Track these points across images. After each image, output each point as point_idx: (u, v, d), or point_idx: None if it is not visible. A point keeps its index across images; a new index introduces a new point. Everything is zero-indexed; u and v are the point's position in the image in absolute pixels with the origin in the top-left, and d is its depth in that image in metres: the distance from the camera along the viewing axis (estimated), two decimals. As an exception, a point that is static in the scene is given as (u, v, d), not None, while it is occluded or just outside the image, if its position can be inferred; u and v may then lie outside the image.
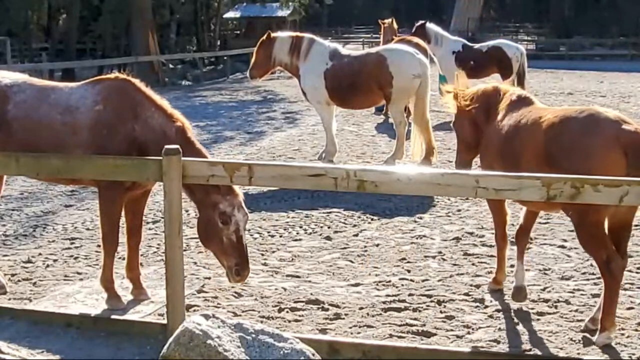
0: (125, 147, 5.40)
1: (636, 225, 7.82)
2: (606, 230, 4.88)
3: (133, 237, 5.86)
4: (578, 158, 4.79)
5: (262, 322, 5.19)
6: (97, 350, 4.95)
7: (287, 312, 5.68)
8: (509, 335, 5.18)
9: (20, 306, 5.73)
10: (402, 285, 6.25)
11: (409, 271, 6.63)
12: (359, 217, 8.55)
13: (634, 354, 4.85)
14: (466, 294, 5.98)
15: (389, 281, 6.35)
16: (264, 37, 11.53)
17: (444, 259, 6.96)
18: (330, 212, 8.77)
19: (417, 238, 7.70)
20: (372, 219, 8.47)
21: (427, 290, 6.10)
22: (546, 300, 5.79)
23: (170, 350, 3.71)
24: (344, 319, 5.54)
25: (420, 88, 10.90)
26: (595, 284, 6.07)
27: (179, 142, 5.28)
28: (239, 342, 3.68)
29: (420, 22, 17.91)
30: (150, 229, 8.08)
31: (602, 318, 4.91)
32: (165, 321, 4.94)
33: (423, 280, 6.36)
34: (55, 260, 7.09)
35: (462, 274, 6.52)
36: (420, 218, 8.48)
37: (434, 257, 7.02)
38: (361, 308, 5.72)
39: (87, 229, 8.25)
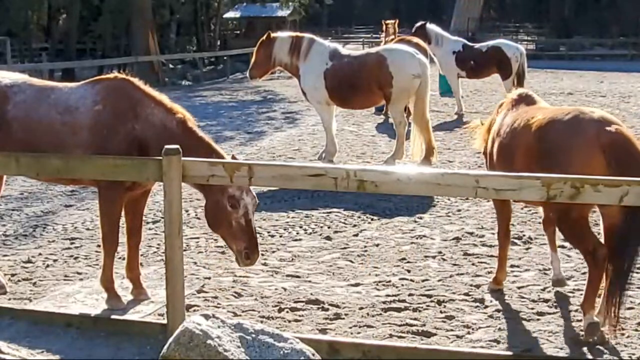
0: (125, 146, 5.40)
1: (636, 225, 7.83)
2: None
3: (133, 237, 5.86)
4: (560, 158, 4.93)
5: (262, 322, 5.19)
6: (97, 350, 4.95)
7: (287, 312, 5.68)
8: (509, 335, 5.18)
9: (20, 306, 5.73)
10: (402, 285, 6.25)
11: (409, 271, 6.63)
12: (359, 217, 8.55)
13: (634, 354, 4.86)
14: (466, 294, 5.98)
15: (389, 281, 6.35)
16: (264, 38, 11.53)
17: (444, 259, 6.96)
18: (330, 212, 8.77)
19: (417, 238, 7.70)
20: (372, 219, 8.47)
21: (427, 290, 6.11)
22: (546, 300, 5.79)
23: (170, 350, 3.71)
24: (344, 319, 5.54)
25: (420, 88, 10.90)
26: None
27: (181, 133, 5.34)
28: (239, 342, 3.68)
29: (420, 22, 17.93)
30: (150, 229, 8.08)
31: (582, 303, 5.07)
32: (165, 321, 4.94)
33: (423, 280, 6.36)
34: (55, 260, 7.09)
35: (462, 274, 6.52)
36: (420, 218, 8.48)
37: (434, 257, 7.02)
38: (361, 308, 5.72)
39: (87, 229, 8.25)
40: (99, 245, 6.52)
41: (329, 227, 8.19)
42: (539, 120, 5.20)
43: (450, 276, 6.45)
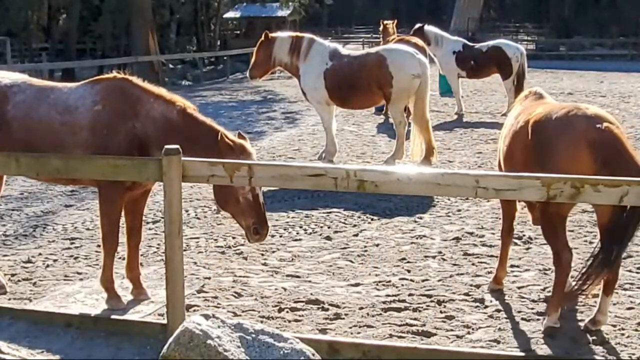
0: (126, 146, 5.40)
1: (636, 225, 7.83)
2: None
3: (133, 237, 5.86)
4: (549, 153, 4.98)
5: (262, 322, 5.19)
6: (97, 350, 4.95)
7: (287, 312, 5.68)
8: (509, 335, 5.18)
9: (20, 306, 5.73)
10: (402, 285, 6.25)
11: (409, 271, 6.63)
12: (359, 217, 8.56)
13: (634, 354, 4.86)
14: (466, 294, 5.98)
15: (389, 281, 6.35)
16: (262, 38, 11.53)
17: (444, 259, 6.96)
18: (330, 212, 8.77)
19: (417, 238, 7.70)
20: (372, 219, 8.47)
21: (427, 290, 6.11)
22: (546, 300, 5.78)
23: (170, 350, 3.71)
24: (344, 319, 5.54)
25: (420, 88, 10.90)
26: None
27: (182, 120, 5.40)
28: (239, 342, 3.68)
29: (418, 25, 17.91)
30: (150, 229, 8.08)
31: (548, 304, 5.18)
32: (165, 321, 4.94)
33: (423, 280, 6.36)
34: (55, 260, 7.09)
35: (462, 274, 6.52)
36: (420, 218, 8.49)
37: (434, 257, 7.02)
38: (361, 308, 5.72)
39: (87, 229, 8.25)
40: (99, 245, 6.52)
41: (329, 227, 8.19)
42: (536, 115, 5.25)
43: (450, 276, 6.45)
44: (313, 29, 38.74)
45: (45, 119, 5.59)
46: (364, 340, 4.96)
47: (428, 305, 5.76)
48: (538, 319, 5.44)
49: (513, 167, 5.34)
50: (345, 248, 7.40)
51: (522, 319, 5.48)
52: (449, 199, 9.14)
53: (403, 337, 5.18)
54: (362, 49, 28.32)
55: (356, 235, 7.87)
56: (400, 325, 5.36)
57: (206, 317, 3.79)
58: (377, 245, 7.47)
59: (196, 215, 8.80)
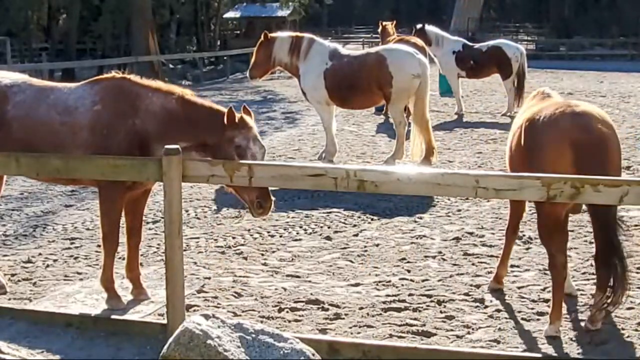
0: (126, 145, 5.39)
1: (636, 226, 7.84)
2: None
3: (133, 237, 5.86)
4: (535, 151, 5.03)
5: (262, 322, 5.19)
6: (97, 350, 4.95)
7: (287, 312, 5.68)
8: (509, 335, 5.18)
9: (20, 306, 5.73)
10: (402, 285, 6.25)
11: (409, 271, 6.63)
12: (359, 217, 8.55)
13: (634, 354, 4.86)
14: (466, 294, 5.98)
15: (389, 281, 6.35)
16: (262, 38, 11.53)
17: (444, 259, 6.96)
18: (330, 212, 8.77)
19: (417, 238, 7.70)
20: (372, 219, 8.47)
21: (427, 290, 6.10)
22: (546, 300, 5.78)
23: (170, 350, 3.71)
24: (344, 319, 5.54)
25: (420, 88, 10.90)
26: (595, 284, 6.07)
27: (181, 107, 5.42)
28: (239, 342, 3.68)
29: (419, 25, 17.91)
30: (150, 229, 8.08)
31: (550, 311, 5.12)
32: (165, 321, 4.94)
33: (423, 280, 6.36)
34: (55, 260, 7.08)
35: (462, 274, 6.52)
36: (420, 218, 8.48)
37: (434, 257, 7.02)
38: (361, 308, 5.72)
39: (87, 229, 8.25)
40: (99, 245, 6.52)
41: (329, 227, 8.19)
42: (530, 114, 5.29)
43: (450, 276, 6.45)
44: (313, 29, 38.74)
45: (45, 119, 5.59)
46: (364, 340, 4.96)
47: (428, 305, 5.76)
48: (538, 319, 5.44)
49: (514, 167, 5.35)
50: (345, 248, 7.40)
51: (522, 319, 5.48)
52: (449, 199, 9.14)
53: (403, 337, 5.18)
54: (362, 49, 28.33)
55: (356, 235, 7.87)
56: (400, 325, 5.36)
57: (206, 317, 3.79)
58: (377, 245, 7.47)
59: (196, 215, 8.80)
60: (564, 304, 5.69)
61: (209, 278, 6.48)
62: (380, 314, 5.60)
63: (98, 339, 5.10)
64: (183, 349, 3.65)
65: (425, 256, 7.06)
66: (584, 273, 6.44)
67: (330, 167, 4.71)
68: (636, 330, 5.22)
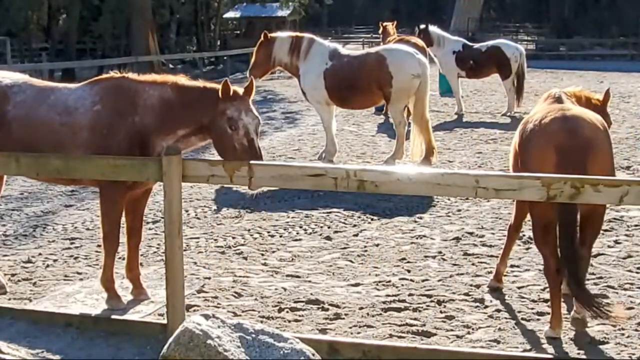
0: (126, 145, 5.39)
1: (636, 226, 7.84)
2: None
3: (133, 237, 5.86)
4: (525, 154, 5.09)
5: (262, 322, 5.19)
6: (97, 350, 4.95)
7: (287, 312, 5.68)
8: (509, 335, 5.18)
9: (20, 306, 5.73)
10: (402, 285, 6.25)
11: (409, 271, 6.63)
12: (359, 217, 8.55)
13: (634, 354, 4.86)
14: (466, 294, 5.98)
15: (389, 281, 6.35)
16: (262, 38, 11.53)
17: (444, 259, 6.96)
18: (330, 212, 8.77)
19: (417, 238, 7.70)
20: (372, 219, 8.47)
21: (427, 290, 6.10)
22: (546, 300, 5.77)
23: (170, 350, 3.71)
24: (344, 319, 5.54)
25: (420, 88, 10.89)
26: (595, 284, 6.08)
27: (176, 93, 5.41)
28: (239, 342, 3.68)
29: (422, 26, 17.92)
30: (150, 229, 8.08)
31: (551, 315, 5.12)
32: (165, 321, 4.95)
33: (423, 280, 6.36)
34: (55, 260, 7.09)
35: (462, 274, 6.52)
36: (420, 218, 8.48)
37: (434, 257, 7.02)
38: (361, 308, 5.72)
39: (87, 229, 8.25)
40: (99, 245, 6.53)
41: (329, 227, 8.19)
42: (530, 115, 5.34)
43: (450, 276, 6.45)
44: (313, 29, 38.76)
45: (46, 119, 5.59)
46: (364, 340, 4.96)
47: (428, 305, 5.76)
48: (538, 319, 5.44)
49: (516, 168, 5.38)
50: (345, 248, 7.40)
51: (522, 319, 5.48)
52: (449, 199, 9.14)
53: (403, 337, 5.18)
54: (362, 49, 28.34)
55: (356, 235, 7.87)
56: (400, 325, 5.36)
57: (206, 317, 3.79)
58: (377, 245, 7.47)
59: (196, 215, 8.80)
60: (563, 304, 5.71)
61: (209, 278, 6.48)
62: (380, 314, 5.60)
63: (98, 339, 5.10)
64: (183, 349, 3.65)
65: (425, 256, 7.06)
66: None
67: (330, 167, 4.71)
68: (636, 330, 5.22)
